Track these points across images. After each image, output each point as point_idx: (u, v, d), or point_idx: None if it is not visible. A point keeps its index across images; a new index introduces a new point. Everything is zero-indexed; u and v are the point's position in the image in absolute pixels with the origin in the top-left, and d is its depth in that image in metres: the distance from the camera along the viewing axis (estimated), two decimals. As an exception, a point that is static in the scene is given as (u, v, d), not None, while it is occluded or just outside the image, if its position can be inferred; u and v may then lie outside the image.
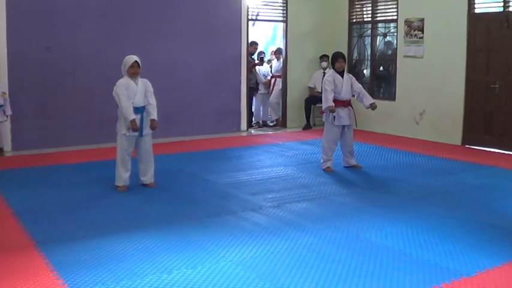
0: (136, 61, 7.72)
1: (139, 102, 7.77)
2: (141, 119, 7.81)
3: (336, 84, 9.07)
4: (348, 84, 9.16)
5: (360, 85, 9.44)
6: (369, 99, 9.22)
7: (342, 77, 9.15)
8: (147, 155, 8.04)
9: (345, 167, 9.43)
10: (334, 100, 9.00)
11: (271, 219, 6.56)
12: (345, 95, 9.13)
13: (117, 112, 7.86)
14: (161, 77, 11.87)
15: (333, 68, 9.30)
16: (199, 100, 12.67)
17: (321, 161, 9.35)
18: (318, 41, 14.47)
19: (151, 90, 7.91)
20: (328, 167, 9.20)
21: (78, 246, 5.60)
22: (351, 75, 9.53)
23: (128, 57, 7.82)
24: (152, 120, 7.87)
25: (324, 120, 9.39)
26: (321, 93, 13.75)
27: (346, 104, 9.18)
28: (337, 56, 9.27)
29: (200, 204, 7.32)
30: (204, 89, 12.75)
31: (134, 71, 7.74)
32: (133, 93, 7.71)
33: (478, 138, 11.23)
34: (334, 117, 9.06)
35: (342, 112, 9.09)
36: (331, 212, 6.91)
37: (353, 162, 9.46)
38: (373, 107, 9.16)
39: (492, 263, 5.18)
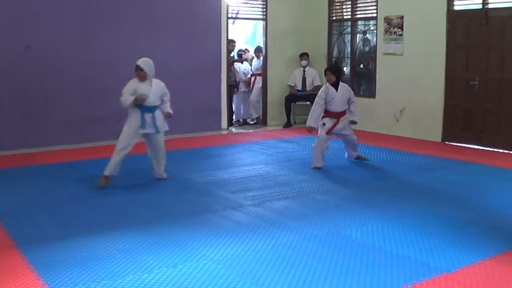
0: (136, 64, 8.03)
1: (152, 102, 8.09)
2: (153, 118, 8.10)
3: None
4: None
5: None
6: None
7: (336, 90, 9.27)
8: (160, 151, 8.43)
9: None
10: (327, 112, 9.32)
11: (251, 218, 6.55)
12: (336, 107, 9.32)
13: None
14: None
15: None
16: (179, 98, 12.53)
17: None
18: (298, 39, 14.48)
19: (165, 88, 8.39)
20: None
21: (58, 247, 5.55)
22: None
23: None
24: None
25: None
26: (301, 91, 13.92)
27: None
28: (325, 70, 9.59)
29: (180, 203, 7.30)
30: (184, 87, 12.67)
31: (137, 74, 8.04)
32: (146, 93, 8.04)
33: (458, 135, 11.30)
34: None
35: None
36: (312, 209, 6.92)
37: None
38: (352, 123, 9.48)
39: (472, 259, 5.21)
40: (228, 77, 13.60)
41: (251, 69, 14.83)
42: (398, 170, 9.18)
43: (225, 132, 13.39)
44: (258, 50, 14.62)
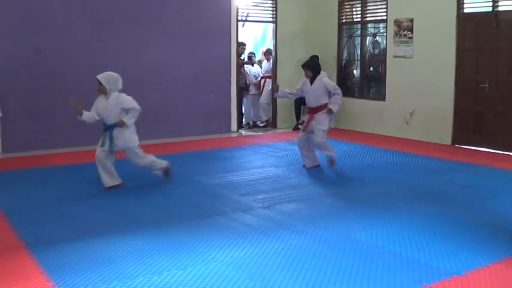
0: (96, 78, 7.82)
1: (106, 120, 7.91)
2: (110, 135, 7.87)
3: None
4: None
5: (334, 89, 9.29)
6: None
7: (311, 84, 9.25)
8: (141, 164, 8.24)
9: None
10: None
11: (261, 220, 6.56)
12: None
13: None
14: (151, 78, 11.91)
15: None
16: (189, 101, 12.64)
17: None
18: (307, 42, 14.47)
19: (127, 103, 7.90)
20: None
21: (68, 248, 5.58)
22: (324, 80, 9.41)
23: None
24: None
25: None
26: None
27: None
28: (302, 65, 9.56)
29: (190, 205, 7.32)
30: (194, 89, 12.72)
31: (97, 88, 7.87)
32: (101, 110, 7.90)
33: (468, 138, 11.27)
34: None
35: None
36: (322, 212, 6.92)
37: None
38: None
39: (482, 262, 5.20)
40: (238, 80, 13.62)
41: (261, 72, 14.82)
42: (408, 172, 9.16)
43: (234, 134, 13.41)
44: (267, 53, 14.62)
